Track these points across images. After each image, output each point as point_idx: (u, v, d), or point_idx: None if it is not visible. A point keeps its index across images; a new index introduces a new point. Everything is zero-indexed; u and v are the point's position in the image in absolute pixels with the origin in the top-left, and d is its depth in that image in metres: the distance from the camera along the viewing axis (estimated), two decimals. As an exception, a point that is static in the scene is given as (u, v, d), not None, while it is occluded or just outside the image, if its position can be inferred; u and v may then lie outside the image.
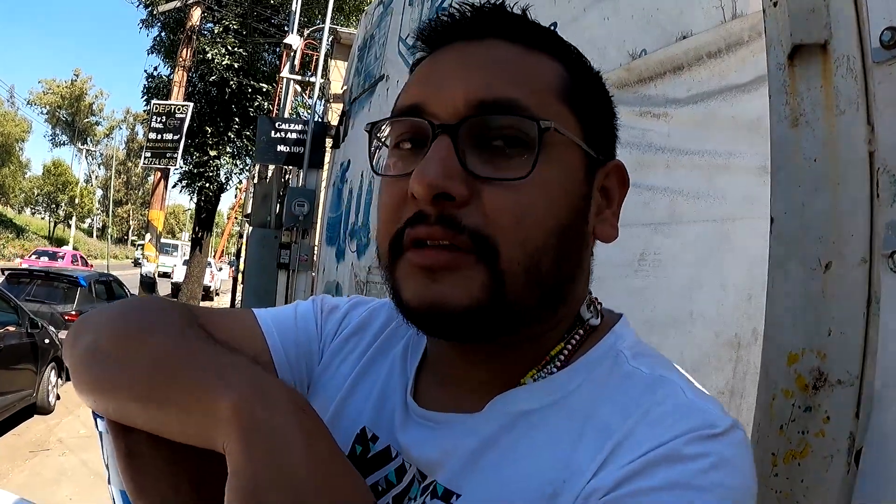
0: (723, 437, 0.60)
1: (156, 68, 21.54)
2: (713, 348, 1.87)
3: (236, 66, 16.39)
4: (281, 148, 9.93)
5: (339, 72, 10.62)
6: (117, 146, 73.80)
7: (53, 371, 9.55)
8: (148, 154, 13.50)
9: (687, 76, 2.18)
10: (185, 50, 14.17)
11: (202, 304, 20.30)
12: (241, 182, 22.33)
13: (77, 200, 63.84)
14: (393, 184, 0.70)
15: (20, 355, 8.38)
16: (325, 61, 10.83)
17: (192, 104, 14.07)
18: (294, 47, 11.39)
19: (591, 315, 0.76)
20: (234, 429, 0.58)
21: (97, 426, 0.71)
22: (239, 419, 0.58)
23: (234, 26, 16.31)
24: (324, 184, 9.30)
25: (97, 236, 74.38)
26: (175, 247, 36.29)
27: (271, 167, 10.86)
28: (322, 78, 10.67)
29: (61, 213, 65.06)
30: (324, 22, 10.77)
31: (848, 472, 0.86)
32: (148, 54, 20.29)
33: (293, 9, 11.97)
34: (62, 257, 29.60)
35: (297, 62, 11.90)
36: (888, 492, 0.82)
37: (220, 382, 0.62)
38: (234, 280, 30.80)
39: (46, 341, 9.31)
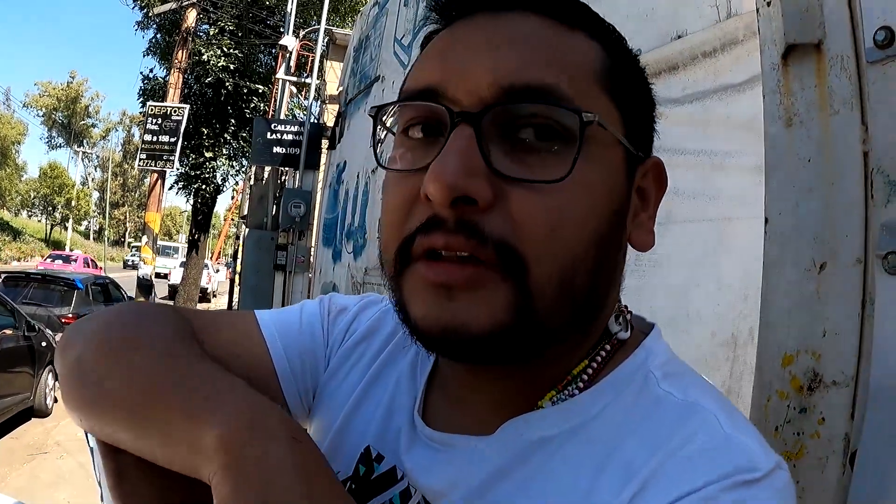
0: (764, 483, 0.51)
1: (151, 70, 21.56)
2: (710, 348, 1.87)
3: (232, 68, 16.40)
4: (277, 149, 9.92)
5: (334, 73, 10.63)
6: (113, 148, 73.73)
7: (51, 374, 9.53)
8: (143, 156, 13.48)
9: (682, 76, 2.18)
10: (180, 52, 14.18)
11: (199, 305, 20.29)
12: (237, 184, 22.36)
13: (73, 203, 63.68)
14: (401, 180, 0.60)
15: (17, 358, 8.38)
16: (321, 62, 10.83)
17: (188, 106, 14.08)
18: (290, 48, 11.40)
19: (619, 328, 0.66)
20: (221, 462, 0.51)
21: (88, 442, 0.67)
22: (226, 452, 0.52)
23: (230, 28, 16.32)
24: (320, 185, 9.29)
25: (94, 238, 74.27)
26: (175, 249, 36.50)
27: (267, 168, 10.85)
28: (318, 79, 10.67)
29: (58, 215, 65.02)
30: (319, 23, 10.78)
31: (843, 474, 0.86)
32: (143, 56, 20.33)
33: (289, 10, 11.96)
34: (75, 260, 30.56)
35: (292, 63, 11.90)
36: (883, 493, 0.82)
37: (206, 409, 0.55)
38: (231, 281, 30.87)
39: (43, 344, 9.30)
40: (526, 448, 0.62)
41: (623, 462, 0.56)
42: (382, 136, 0.67)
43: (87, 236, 74.37)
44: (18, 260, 41.36)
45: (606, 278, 0.63)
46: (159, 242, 47.48)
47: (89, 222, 76.16)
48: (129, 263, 47.54)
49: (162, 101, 14.38)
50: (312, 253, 9.34)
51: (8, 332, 8.29)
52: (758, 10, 1.08)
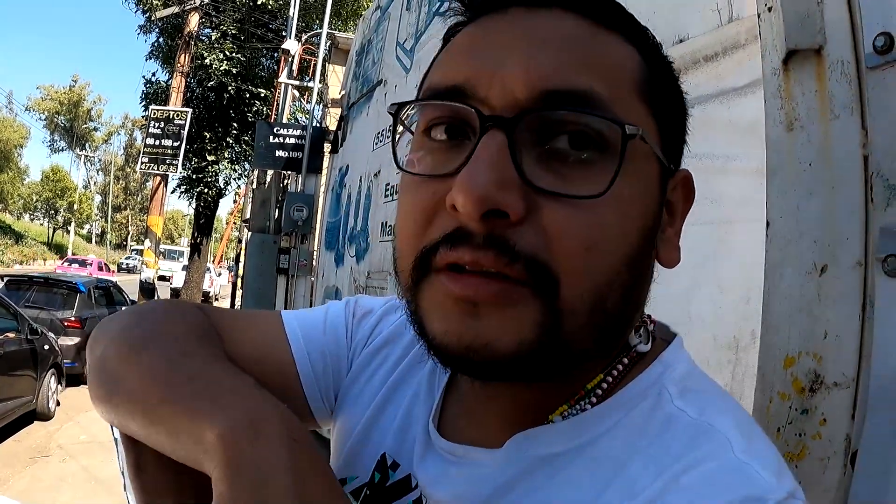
0: None
1: (154, 74, 21.48)
2: (711, 351, 1.87)
3: (234, 72, 16.38)
4: (279, 153, 9.92)
5: (336, 77, 10.62)
6: (116, 152, 73.82)
7: (53, 377, 9.54)
8: (145, 159, 13.46)
9: (684, 79, 2.17)
10: (183, 56, 14.16)
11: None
12: (239, 187, 22.35)
13: (76, 206, 63.70)
14: (422, 185, 0.56)
15: (20, 362, 8.37)
16: (323, 66, 10.83)
17: (190, 110, 14.05)
18: (292, 52, 11.38)
19: (639, 340, 0.62)
20: (220, 460, 0.51)
21: (113, 433, 0.69)
22: (225, 451, 0.51)
23: (232, 31, 16.31)
24: (322, 189, 9.30)
25: (96, 242, 74.30)
26: (181, 253, 36.77)
27: (270, 172, 10.85)
28: (320, 83, 10.67)
29: (60, 218, 64.94)
30: (321, 27, 10.79)
31: (844, 474, 0.86)
32: (146, 60, 20.34)
33: (291, 14, 11.97)
34: (90, 264, 32.44)
35: (295, 67, 11.90)
36: (883, 493, 0.82)
37: (210, 408, 0.55)
38: (234, 285, 30.87)
39: (46, 347, 9.30)
40: (531, 464, 0.60)
41: (627, 482, 0.53)
42: (400, 135, 0.62)
43: (89, 240, 74.40)
44: (21, 263, 41.35)
45: (636, 297, 0.60)
46: (165, 246, 47.63)
47: (91, 226, 76.28)
48: (124, 267, 48.02)
49: (164, 105, 14.37)
50: (315, 257, 9.34)
51: (10, 335, 8.29)
52: (759, 15, 1.09)
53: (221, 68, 16.09)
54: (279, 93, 12.74)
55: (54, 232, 64.35)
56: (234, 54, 16.31)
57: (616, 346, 0.61)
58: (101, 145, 72.74)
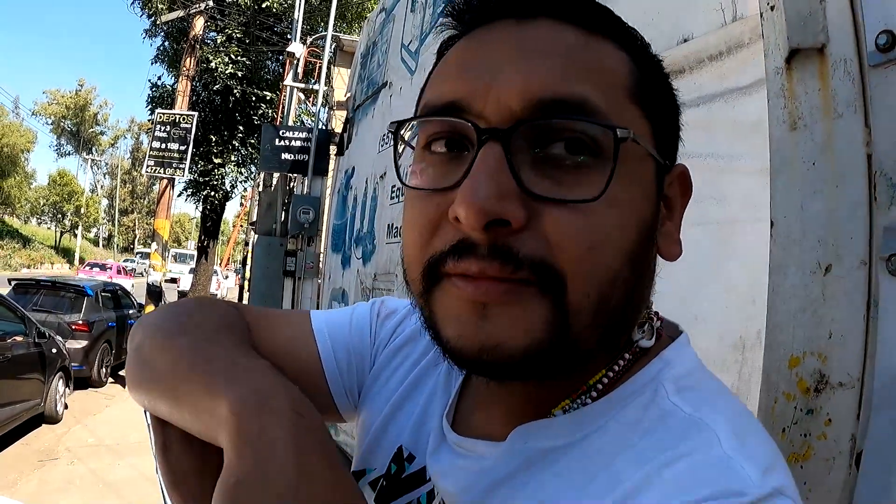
0: None
1: (159, 78, 21.60)
2: (717, 351, 1.87)
3: (240, 75, 16.42)
4: (285, 156, 9.95)
5: (342, 79, 10.63)
6: (122, 156, 73.95)
7: (61, 380, 9.59)
8: (152, 163, 13.47)
9: (688, 79, 2.18)
10: (188, 59, 14.17)
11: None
12: (245, 190, 22.37)
13: (83, 210, 63.89)
14: (425, 198, 0.58)
15: (27, 365, 8.42)
16: (328, 69, 10.84)
17: (196, 113, 14.06)
18: (297, 55, 11.40)
19: (641, 335, 0.64)
20: (228, 432, 0.54)
21: (146, 419, 0.73)
22: (234, 424, 0.54)
23: (238, 35, 16.35)
24: (328, 191, 9.31)
25: (103, 245, 74.53)
26: (192, 256, 37.11)
27: (276, 175, 10.88)
28: (325, 85, 10.68)
29: (67, 222, 65.14)
30: (326, 30, 10.80)
31: (849, 475, 0.86)
32: (151, 64, 20.41)
33: (296, 17, 11.99)
34: (110, 268, 34.15)
35: (300, 70, 11.92)
36: (888, 494, 0.82)
37: (224, 386, 0.58)
38: (241, 287, 30.93)
39: (54, 351, 9.34)
40: (531, 457, 0.61)
41: (613, 474, 0.54)
42: (401, 151, 0.64)
43: (96, 243, 74.64)
44: (28, 267, 41.54)
45: (639, 293, 0.61)
46: (175, 250, 47.85)
47: (98, 229, 76.44)
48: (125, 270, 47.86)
49: (170, 109, 14.41)
50: (321, 259, 9.34)
51: (18, 338, 8.34)
52: (762, 14, 1.09)
53: (227, 72, 16.13)
54: (284, 96, 12.76)
55: (61, 236, 64.58)
56: (239, 58, 16.35)
57: (620, 342, 0.62)
58: (108, 149, 73.04)
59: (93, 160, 69.60)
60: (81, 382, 11.35)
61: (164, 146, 13.39)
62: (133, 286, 14.54)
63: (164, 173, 13.44)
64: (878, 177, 0.87)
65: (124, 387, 10.93)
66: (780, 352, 0.99)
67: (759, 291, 1.76)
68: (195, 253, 21.27)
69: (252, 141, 17.64)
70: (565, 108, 0.53)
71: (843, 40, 0.94)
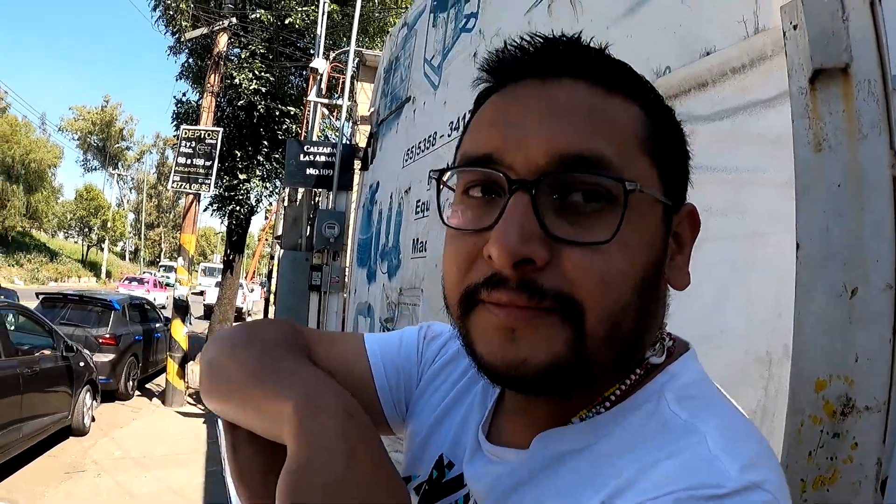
0: (727, 500, 0.54)
1: (184, 94, 21.67)
2: (743, 365, 1.85)
3: (264, 91, 16.46)
4: (310, 171, 10.03)
5: (365, 94, 10.67)
6: (148, 170, 74.65)
7: (88, 393, 9.68)
8: (177, 178, 13.54)
9: (711, 92, 2.18)
10: (212, 76, 14.22)
11: (235, 324, 20.50)
12: (270, 204, 22.46)
13: (109, 224, 64.45)
14: (463, 236, 0.68)
15: (55, 378, 8.52)
16: (352, 84, 10.89)
17: (221, 129, 14.13)
18: (320, 71, 11.45)
19: (652, 353, 0.72)
20: (291, 429, 0.66)
21: (217, 426, 0.84)
22: (295, 422, 0.66)
23: (261, 51, 16.42)
24: (353, 205, 9.35)
25: (130, 259, 75.19)
26: (220, 269, 37.65)
27: (301, 190, 10.94)
28: (349, 100, 10.73)
29: (94, 236, 65.72)
30: (348, 44, 10.86)
31: (875, 500, 0.85)
32: (176, 80, 20.44)
33: (318, 33, 12.03)
34: (147, 282, 36.73)
35: (323, 85, 11.97)
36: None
37: (287, 389, 0.71)
38: (266, 301, 31.10)
39: (81, 364, 9.44)
40: (550, 460, 0.70)
41: (613, 472, 0.62)
42: (445, 191, 0.73)
43: (122, 257, 75.33)
44: (56, 280, 41.96)
45: (648, 319, 0.69)
46: (204, 264, 48.14)
47: (125, 243, 77.13)
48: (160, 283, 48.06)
49: (195, 125, 14.49)
50: (347, 273, 9.41)
51: (46, 352, 8.44)
52: (784, 32, 1.09)
53: (251, 87, 16.16)
54: (308, 111, 12.81)
55: (88, 249, 65.22)
56: (262, 73, 16.38)
57: (632, 360, 0.70)
58: (134, 164, 73.73)
59: (119, 175, 70.42)
60: (108, 395, 11.45)
61: (189, 162, 13.45)
62: (168, 298, 14.71)
63: (190, 189, 13.51)
64: (903, 198, 0.87)
65: (151, 399, 11.05)
66: (806, 374, 0.99)
67: (784, 305, 1.74)
68: (221, 267, 21.34)
69: (276, 156, 17.67)
70: (583, 163, 0.62)
71: (867, 60, 0.93)
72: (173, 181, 13.70)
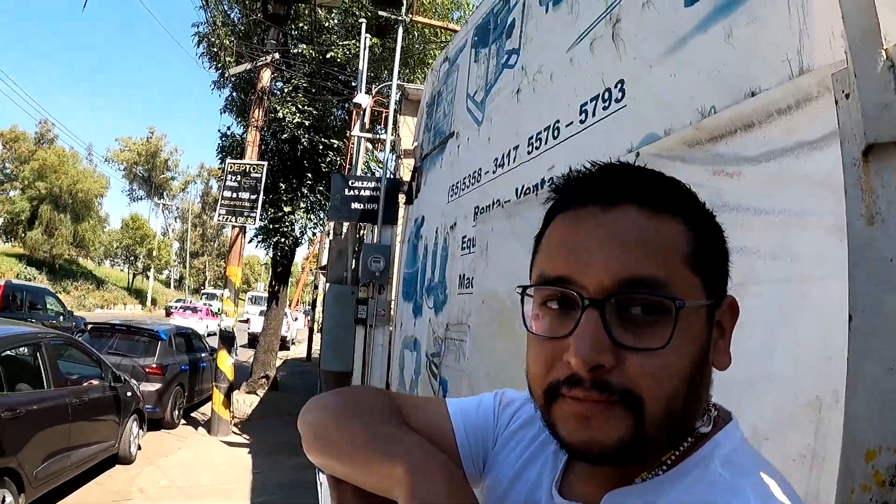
0: None
1: (229, 128, 22.00)
2: (792, 410, 1.84)
3: (307, 124, 16.59)
4: (355, 205, 10.12)
5: (408, 127, 10.73)
6: (193, 200, 75.47)
7: (135, 422, 9.79)
8: (223, 211, 13.68)
9: (758, 133, 2.17)
10: (257, 110, 14.27)
11: (279, 353, 20.74)
12: (314, 235, 22.54)
13: (154, 253, 65.33)
14: (545, 342, 0.81)
15: (103, 408, 8.63)
16: (395, 118, 10.97)
17: (266, 163, 14.21)
18: (363, 106, 11.51)
19: (701, 423, 0.84)
20: (403, 489, 0.82)
21: (318, 478, 1.03)
22: (406, 482, 0.82)
23: (304, 85, 16.57)
24: (398, 238, 9.39)
25: (175, 286, 76.04)
26: (266, 298, 37.95)
27: (346, 223, 11.02)
28: (391, 134, 10.80)
29: (139, 264, 66.57)
30: (389, 77, 10.93)
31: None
32: (221, 113, 20.76)
33: (360, 68, 12.12)
34: (200, 310, 38.97)
35: (366, 119, 12.04)
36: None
37: (399, 454, 0.86)
38: (310, 330, 31.19)
39: (129, 394, 9.56)
40: None
41: None
42: (528, 301, 0.87)
43: (168, 285, 76.16)
44: (102, 308, 42.54)
45: (697, 400, 0.82)
46: (252, 293, 48.24)
47: (170, 271, 78.06)
48: (173, 310, 47.99)
49: (240, 158, 14.64)
50: (392, 306, 9.45)
51: (95, 382, 8.57)
52: (837, 101, 1.10)
53: (294, 121, 16.32)
54: (352, 145, 12.90)
55: (134, 277, 66.04)
56: (305, 107, 16.53)
57: (684, 431, 0.82)
58: (179, 194, 74.49)
59: (164, 204, 71.32)
60: (154, 424, 11.57)
61: (235, 195, 13.61)
62: (218, 325, 14.83)
63: (236, 222, 13.64)
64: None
65: (196, 429, 11.11)
66: (856, 443, 1.00)
67: (833, 349, 1.73)
68: (267, 295, 21.46)
69: (320, 188, 17.78)
70: (640, 284, 0.76)
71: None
72: (219, 214, 13.87)
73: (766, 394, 1.92)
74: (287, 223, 17.93)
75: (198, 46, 18.89)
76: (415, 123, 9.40)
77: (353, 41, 15.69)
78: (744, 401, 1.91)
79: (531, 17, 4.69)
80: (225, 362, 13.28)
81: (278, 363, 20.37)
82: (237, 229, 13.86)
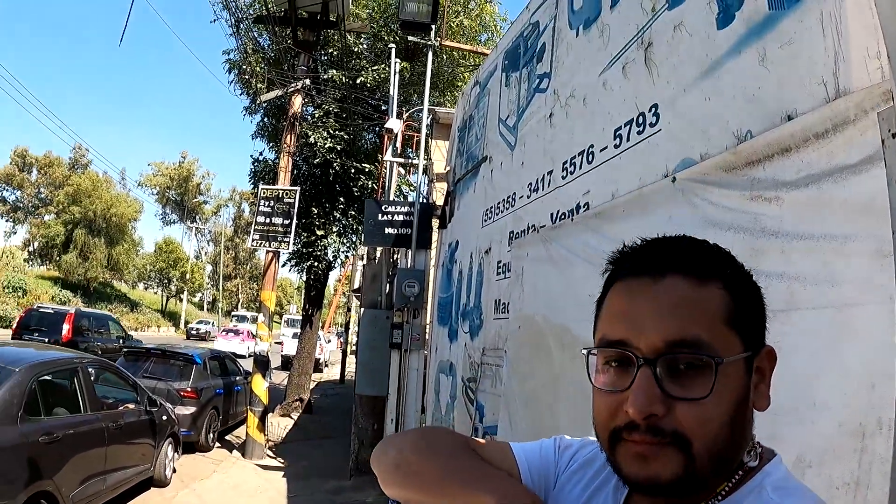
0: None
1: (261, 153, 22.17)
2: (836, 438, 1.83)
3: (338, 149, 16.65)
4: (388, 230, 10.17)
5: (440, 151, 10.78)
6: (225, 223, 76.10)
7: (170, 446, 9.85)
8: (256, 237, 13.74)
9: (795, 157, 2.16)
10: (288, 136, 14.28)
11: (313, 376, 20.82)
12: (347, 258, 22.54)
13: (188, 276, 66.10)
14: (608, 394, 0.95)
15: (139, 431, 8.69)
16: (426, 142, 11.00)
17: (298, 188, 14.23)
18: (395, 131, 11.54)
19: (749, 458, 0.96)
20: None
21: None
22: None
23: (335, 110, 16.64)
24: (432, 262, 9.42)
25: (207, 309, 76.72)
26: (300, 322, 38.27)
27: (379, 248, 11.05)
28: (424, 159, 10.86)
29: (173, 287, 67.32)
30: (420, 101, 10.97)
31: None
32: (252, 138, 20.93)
33: (391, 94, 12.17)
34: (242, 333, 39.34)
35: (398, 144, 12.07)
36: None
37: (482, 486, 1.05)
38: (343, 352, 31.27)
39: (164, 418, 9.63)
40: None
41: None
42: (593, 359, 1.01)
43: (201, 307, 76.94)
44: (136, 330, 42.96)
45: (741, 438, 0.95)
46: (287, 315, 48.43)
47: (203, 294, 78.84)
48: (194, 333, 48.22)
49: (272, 182, 14.72)
50: (427, 331, 9.49)
51: (130, 406, 8.64)
52: (883, 140, 1.11)
53: (326, 146, 16.38)
54: (384, 170, 12.95)
55: (167, 300, 66.87)
56: (337, 132, 16.61)
57: (732, 466, 0.95)
58: (211, 217, 75.26)
59: (196, 228, 72.15)
60: (189, 447, 11.63)
61: (268, 220, 13.71)
62: (253, 350, 14.98)
63: (270, 246, 13.72)
64: None
65: (231, 452, 11.13)
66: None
67: (878, 376, 1.72)
68: (301, 318, 21.55)
69: (353, 212, 17.82)
70: (685, 345, 0.89)
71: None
72: (252, 239, 13.97)
73: (810, 421, 1.91)
74: (320, 247, 17.99)
75: (229, 73, 19.11)
76: (446, 147, 9.43)
77: (383, 65, 15.81)
78: (787, 428, 1.90)
79: (562, 41, 4.70)
80: (260, 386, 13.34)
81: (312, 385, 20.46)
82: (271, 254, 13.96)
